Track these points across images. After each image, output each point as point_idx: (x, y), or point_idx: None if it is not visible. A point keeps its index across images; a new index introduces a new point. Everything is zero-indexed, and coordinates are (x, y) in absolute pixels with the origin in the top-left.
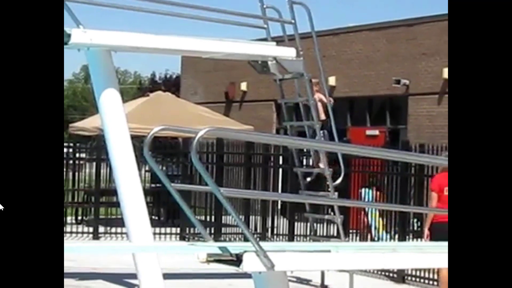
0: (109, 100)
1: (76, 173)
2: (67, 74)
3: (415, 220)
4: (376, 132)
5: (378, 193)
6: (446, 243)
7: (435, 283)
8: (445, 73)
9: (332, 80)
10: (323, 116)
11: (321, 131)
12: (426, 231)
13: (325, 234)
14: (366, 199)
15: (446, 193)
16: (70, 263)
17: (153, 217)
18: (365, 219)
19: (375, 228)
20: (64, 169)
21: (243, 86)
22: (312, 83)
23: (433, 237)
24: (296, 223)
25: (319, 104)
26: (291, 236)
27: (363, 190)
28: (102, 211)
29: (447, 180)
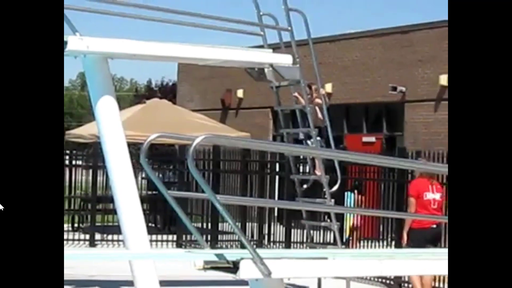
0: (105, 107)
1: (73, 180)
2: (64, 81)
3: None
4: (373, 139)
5: (359, 196)
6: (444, 250)
7: None
8: (442, 79)
9: (328, 87)
10: (319, 122)
11: (318, 138)
12: (405, 236)
13: (321, 241)
14: (348, 203)
15: (426, 198)
16: (67, 270)
17: (150, 224)
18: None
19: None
20: None
21: (240, 93)
22: (312, 89)
23: (412, 243)
24: (292, 230)
25: (317, 110)
26: (287, 243)
27: (345, 194)
28: (99, 218)
29: (426, 185)
